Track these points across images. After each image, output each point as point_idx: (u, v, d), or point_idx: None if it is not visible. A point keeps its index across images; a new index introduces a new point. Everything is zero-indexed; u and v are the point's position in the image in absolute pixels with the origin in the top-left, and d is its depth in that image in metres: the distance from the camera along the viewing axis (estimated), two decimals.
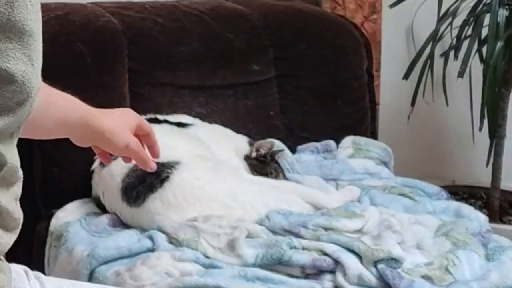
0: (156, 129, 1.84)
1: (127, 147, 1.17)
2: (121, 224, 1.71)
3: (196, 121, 1.96)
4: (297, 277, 1.52)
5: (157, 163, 1.71)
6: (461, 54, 2.34)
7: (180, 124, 1.89)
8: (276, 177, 1.89)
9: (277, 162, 1.93)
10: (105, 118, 1.16)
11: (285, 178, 1.92)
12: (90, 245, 1.61)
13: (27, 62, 0.68)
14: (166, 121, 1.88)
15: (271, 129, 2.05)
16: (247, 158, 1.92)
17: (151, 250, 1.58)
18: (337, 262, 1.52)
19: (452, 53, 2.41)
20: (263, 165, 1.90)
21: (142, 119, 1.23)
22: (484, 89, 2.30)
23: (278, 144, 1.99)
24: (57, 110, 1.07)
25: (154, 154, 1.25)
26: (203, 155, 1.81)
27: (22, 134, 0.79)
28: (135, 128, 1.20)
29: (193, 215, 1.66)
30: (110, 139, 1.15)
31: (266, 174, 1.88)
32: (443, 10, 2.40)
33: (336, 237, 1.57)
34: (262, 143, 1.93)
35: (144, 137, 1.21)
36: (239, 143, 1.97)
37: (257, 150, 1.91)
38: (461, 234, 1.66)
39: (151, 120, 1.82)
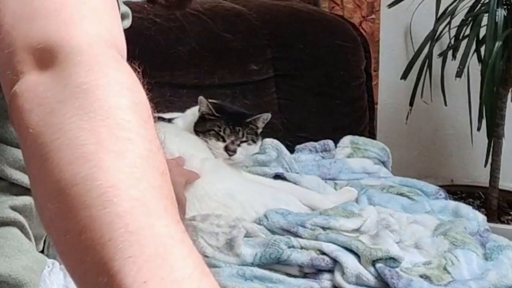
0: None
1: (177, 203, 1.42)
2: None
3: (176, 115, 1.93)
4: (295, 276, 1.52)
5: None
6: (459, 54, 2.34)
7: (169, 120, 1.88)
8: (218, 132, 1.81)
9: (224, 115, 1.83)
10: (171, 176, 1.36)
11: (232, 132, 1.82)
12: None
13: None
14: (160, 118, 1.87)
15: (270, 128, 2.05)
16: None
17: None
18: (335, 261, 1.52)
19: (450, 53, 2.41)
20: (204, 123, 1.83)
21: (192, 175, 1.62)
22: (482, 89, 2.30)
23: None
24: None
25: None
26: (201, 154, 1.81)
27: None
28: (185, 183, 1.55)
29: (191, 215, 1.65)
30: None
31: (207, 131, 1.82)
32: (441, 10, 2.40)
33: (335, 236, 1.57)
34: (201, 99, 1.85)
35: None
36: None
37: (199, 110, 1.85)
38: (459, 233, 1.66)
39: None
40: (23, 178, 0.81)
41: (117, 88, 0.55)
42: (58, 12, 0.59)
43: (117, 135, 0.53)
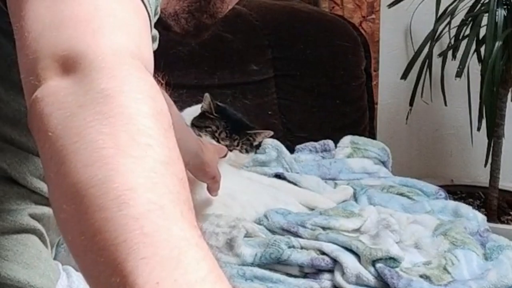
0: None
1: (213, 179, 1.52)
2: None
3: None
4: (295, 276, 1.52)
5: None
6: (459, 54, 2.34)
7: None
8: (214, 132, 1.82)
9: (224, 118, 1.84)
10: (207, 153, 1.49)
11: (228, 137, 1.83)
12: None
13: None
14: None
15: (270, 128, 2.05)
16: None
17: None
18: (335, 261, 1.52)
19: (450, 53, 2.41)
20: (203, 119, 1.84)
21: (223, 151, 1.63)
22: (482, 89, 2.30)
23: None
24: (187, 140, 1.28)
25: None
26: None
27: None
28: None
29: None
30: (206, 170, 1.48)
31: (204, 127, 1.82)
32: (441, 10, 2.40)
33: (335, 236, 1.57)
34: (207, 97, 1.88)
35: None
36: None
37: (201, 106, 1.86)
38: (460, 233, 1.66)
39: None
40: (43, 187, 0.82)
41: (139, 96, 0.55)
42: (87, 22, 0.59)
43: (137, 140, 0.53)
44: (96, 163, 0.52)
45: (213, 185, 1.56)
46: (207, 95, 1.85)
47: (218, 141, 1.81)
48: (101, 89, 0.55)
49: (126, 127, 0.53)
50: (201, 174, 1.49)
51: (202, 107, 1.85)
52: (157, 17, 0.78)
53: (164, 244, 0.49)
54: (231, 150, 1.82)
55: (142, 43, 0.62)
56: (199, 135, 1.81)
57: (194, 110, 1.88)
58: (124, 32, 0.60)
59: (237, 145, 1.83)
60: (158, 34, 0.89)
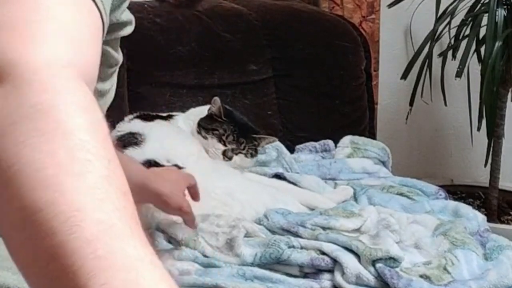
0: (152, 127, 1.83)
1: (180, 209, 1.46)
2: None
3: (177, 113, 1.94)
4: (295, 276, 1.52)
5: (156, 163, 1.70)
6: (459, 54, 2.34)
7: (169, 116, 1.89)
8: (221, 136, 1.82)
9: (231, 122, 1.85)
10: (163, 183, 1.42)
11: (235, 140, 1.84)
12: None
13: None
14: (158, 116, 1.87)
15: (269, 128, 2.05)
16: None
17: None
18: (335, 261, 1.52)
19: (450, 53, 2.41)
20: (210, 121, 1.84)
21: (191, 179, 1.51)
22: (482, 89, 2.30)
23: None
24: (125, 171, 1.22)
25: (196, 199, 1.53)
26: (200, 153, 1.81)
27: None
28: (186, 188, 1.48)
29: None
30: (166, 201, 1.43)
31: (211, 130, 1.83)
32: (441, 10, 2.40)
33: (335, 236, 1.57)
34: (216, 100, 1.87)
35: (189, 189, 1.51)
36: None
37: (209, 109, 1.87)
38: (460, 233, 1.66)
39: (143, 116, 1.83)
40: None
41: (73, 108, 0.54)
42: (24, 27, 0.57)
43: (77, 156, 0.51)
44: (38, 185, 0.50)
45: (185, 217, 1.52)
46: (216, 98, 1.85)
47: (224, 144, 1.82)
48: (33, 104, 0.53)
49: (63, 143, 0.52)
50: (163, 206, 1.47)
51: (210, 109, 1.86)
52: (126, 3, 0.76)
53: (120, 266, 0.48)
54: (236, 154, 1.83)
55: (83, 47, 0.60)
56: (206, 137, 1.82)
57: (199, 111, 1.89)
58: (63, 37, 0.58)
59: (243, 149, 1.84)
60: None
